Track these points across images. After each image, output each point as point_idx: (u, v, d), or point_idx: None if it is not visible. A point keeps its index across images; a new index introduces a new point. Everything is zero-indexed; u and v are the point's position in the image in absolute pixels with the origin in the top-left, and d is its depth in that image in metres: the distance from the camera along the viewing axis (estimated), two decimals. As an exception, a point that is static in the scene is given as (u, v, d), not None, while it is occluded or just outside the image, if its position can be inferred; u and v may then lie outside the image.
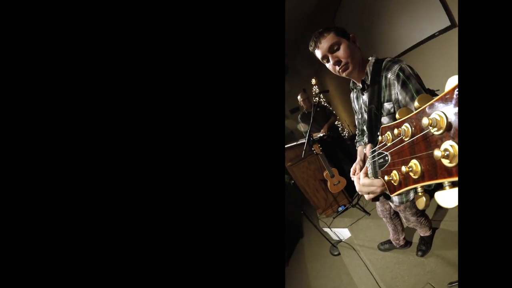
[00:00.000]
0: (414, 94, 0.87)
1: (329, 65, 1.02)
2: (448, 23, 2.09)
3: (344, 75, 1.02)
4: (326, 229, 2.67)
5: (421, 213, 1.50)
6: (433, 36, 2.31)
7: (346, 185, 2.68)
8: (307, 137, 2.49)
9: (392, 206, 1.40)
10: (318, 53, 1.01)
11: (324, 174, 2.62)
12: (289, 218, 3.47)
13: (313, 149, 2.53)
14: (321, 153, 2.52)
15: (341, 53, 0.97)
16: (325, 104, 3.34)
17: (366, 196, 0.65)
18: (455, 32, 2.10)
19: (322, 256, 2.52)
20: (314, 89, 7.49)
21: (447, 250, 1.57)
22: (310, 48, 1.04)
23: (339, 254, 2.33)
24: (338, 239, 2.55)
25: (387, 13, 2.77)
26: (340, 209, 2.83)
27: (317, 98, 2.68)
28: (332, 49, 0.98)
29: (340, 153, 3.34)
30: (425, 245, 1.67)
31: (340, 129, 7.86)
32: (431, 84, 0.99)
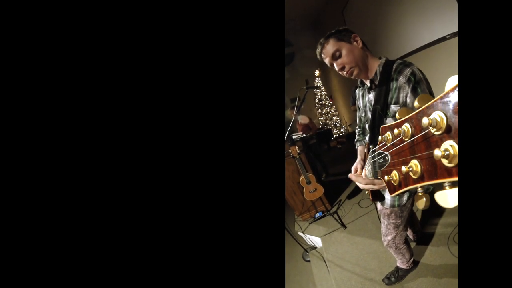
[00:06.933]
0: None
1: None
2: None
3: (352, 77, 1.04)
4: (301, 233, 2.63)
5: (402, 228, 1.26)
6: (444, 39, 2.21)
7: (324, 192, 2.54)
8: (286, 136, 2.25)
9: (379, 207, 1.25)
10: (326, 61, 1.05)
11: (300, 179, 2.50)
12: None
13: (290, 151, 2.37)
14: (298, 156, 2.36)
15: (343, 59, 0.99)
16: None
17: (361, 186, 0.69)
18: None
19: (294, 260, 2.49)
20: (316, 81, 7.66)
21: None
22: (318, 57, 1.07)
23: (309, 261, 2.28)
24: (312, 245, 2.49)
25: (396, 11, 2.62)
26: (317, 215, 2.73)
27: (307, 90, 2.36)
28: (335, 56, 1.00)
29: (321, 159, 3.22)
30: (395, 276, 1.50)
31: (339, 124, 7.81)
32: (438, 87, 1.02)
